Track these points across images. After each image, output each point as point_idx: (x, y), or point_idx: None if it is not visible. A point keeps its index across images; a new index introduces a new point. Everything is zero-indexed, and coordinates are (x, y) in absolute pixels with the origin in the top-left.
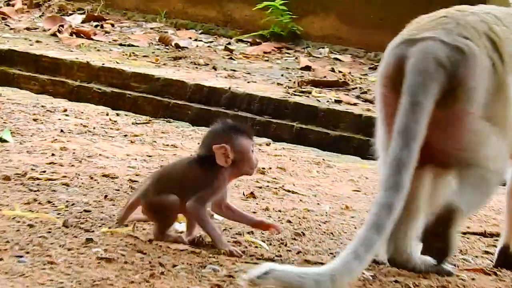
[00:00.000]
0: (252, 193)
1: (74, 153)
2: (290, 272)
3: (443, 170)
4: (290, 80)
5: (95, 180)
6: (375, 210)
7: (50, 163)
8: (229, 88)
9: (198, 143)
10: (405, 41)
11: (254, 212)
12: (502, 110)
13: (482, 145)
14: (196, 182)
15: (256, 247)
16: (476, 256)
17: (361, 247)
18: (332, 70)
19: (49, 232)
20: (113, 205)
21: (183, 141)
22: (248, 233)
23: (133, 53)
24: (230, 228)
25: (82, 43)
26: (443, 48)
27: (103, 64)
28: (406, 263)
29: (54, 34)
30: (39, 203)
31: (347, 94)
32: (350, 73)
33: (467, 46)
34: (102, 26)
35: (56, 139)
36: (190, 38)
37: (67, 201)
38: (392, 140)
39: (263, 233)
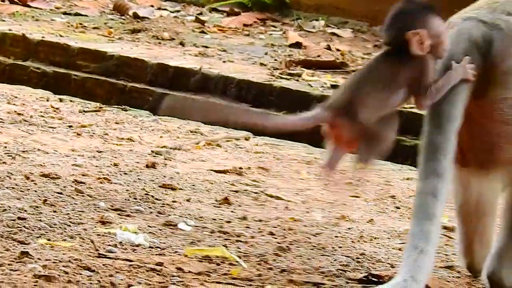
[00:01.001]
0: (226, 198)
1: (6, 147)
2: None
3: (487, 172)
4: (276, 60)
5: (32, 180)
6: (420, 201)
7: None
8: (200, 68)
9: (161, 137)
10: (449, 23)
11: (229, 222)
12: None
13: None
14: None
15: (231, 264)
16: None
17: (420, 241)
18: (328, 47)
19: None
20: (54, 211)
21: (142, 133)
22: (224, 245)
23: (81, 24)
24: (198, 241)
25: (17, 11)
26: (479, 27)
27: (43, 37)
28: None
29: None
30: None
31: (346, 78)
32: (350, 51)
33: (505, 22)
34: None
35: None
36: (152, 6)
37: None
38: (424, 125)
39: (239, 247)
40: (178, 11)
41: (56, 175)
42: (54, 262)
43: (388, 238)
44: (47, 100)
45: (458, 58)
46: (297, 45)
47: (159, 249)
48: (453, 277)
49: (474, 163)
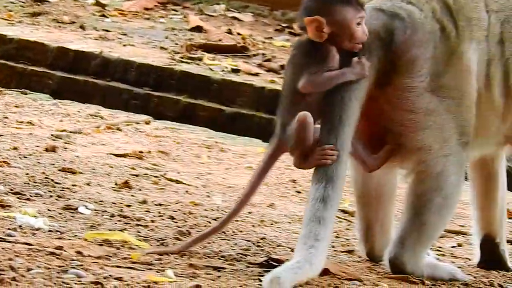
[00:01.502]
0: (126, 182)
1: None
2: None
3: (391, 160)
4: (176, 44)
5: None
6: (310, 205)
7: None
8: (101, 52)
9: (61, 120)
10: None
11: (129, 206)
12: (455, 80)
13: (429, 126)
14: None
15: (131, 248)
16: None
17: (309, 239)
18: (229, 31)
19: None
20: None
21: (42, 117)
22: (122, 230)
23: None
24: (98, 225)
25: None
26: (379, 17)
27: None
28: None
29: None
30: None
31: (247, 62)
32: (251, 35)
33: (405, 11)
34: None
35: None
36: None
37: None
38: (321, 126)
39: (139, 231)
40: None
41: None
42: None
43: (289, 223)
44: None
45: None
46: (198, 29)
47: (58, 233)
48: (354, 261)
49: (379, 150)
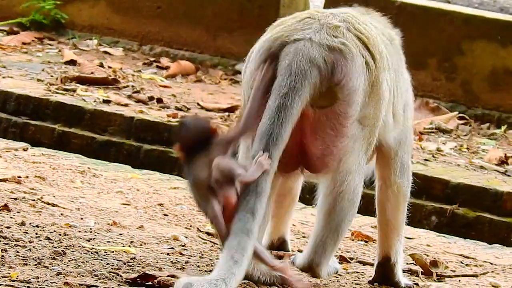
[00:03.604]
0: (6, 205)
1: None
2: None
3: (314, 175)
4: (52, 76)
5: None
6: (240, 216)
7: None
8: None
9: None
10: (276, 43)
11: (8, 227)
12: (374, 109)
13: (352, 150)
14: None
15: (10, 267)
16: None
17: (236, 253)
18: (101, 65)
19: None
20: None
21: None
22: (4, 249)
23: None
24: None
25: None
26: (317, 48)
27: None
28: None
29: None
30: None
31: (118, 93)
32: (121, 69)
33: (343, 45)
34: None
35: None
36: None
37: None
38: (253, 143)
39: (18, 251)
40: None
41: None
42: None
43: (157, 244)
44: None
45: (301, 75)
46: (72, 62)
47: None
48: None
49: (293, 167)
